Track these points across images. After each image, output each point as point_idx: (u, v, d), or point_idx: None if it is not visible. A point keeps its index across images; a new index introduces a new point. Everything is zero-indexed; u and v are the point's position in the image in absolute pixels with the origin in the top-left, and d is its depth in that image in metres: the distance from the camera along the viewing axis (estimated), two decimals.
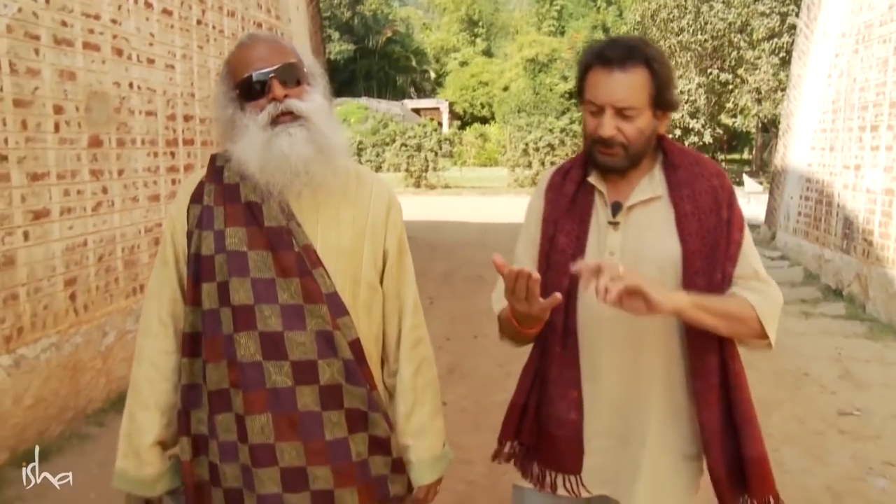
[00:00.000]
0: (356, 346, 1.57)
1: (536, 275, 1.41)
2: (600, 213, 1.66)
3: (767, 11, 20.73)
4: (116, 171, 4.68)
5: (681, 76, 24.05)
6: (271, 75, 1.52)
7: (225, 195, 1.59)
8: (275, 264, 1.54)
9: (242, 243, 1.55)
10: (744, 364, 1.64)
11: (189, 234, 1.60)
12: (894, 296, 6.56)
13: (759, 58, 21.20)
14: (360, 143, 28.08)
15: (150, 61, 5.08)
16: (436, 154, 25.27)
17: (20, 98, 3.80)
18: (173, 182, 5.42)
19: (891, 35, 7.00)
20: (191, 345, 1.59)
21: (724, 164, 29.48)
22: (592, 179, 1.66)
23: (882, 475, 3.67)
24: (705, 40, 21.86)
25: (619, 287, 1.39)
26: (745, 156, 33.37)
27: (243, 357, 1.53)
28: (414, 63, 46.99)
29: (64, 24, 4.14)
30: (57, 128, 4.10)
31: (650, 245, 1.60)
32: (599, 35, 30.15)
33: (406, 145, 25.15)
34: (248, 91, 1.53)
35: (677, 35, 22.13)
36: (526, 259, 1.73)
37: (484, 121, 39.08)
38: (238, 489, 1.57)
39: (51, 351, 4.05)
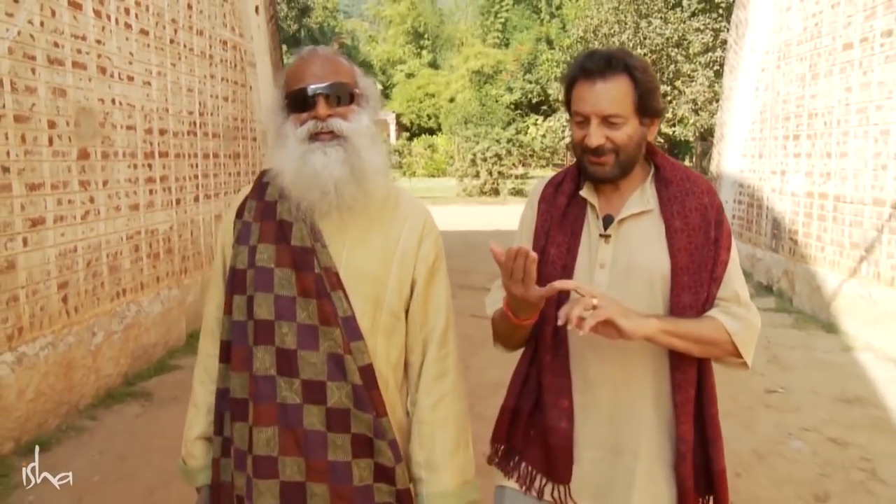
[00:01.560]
0: (367, 371, 1.56)
1: (534, 254, 1.44)
2: (591, 226, 1.66)
3: (702, 27, 21.69)
4: (101, 182, 4.98)
5: None
6: (319, 92, 1.54)
7: (263, 212, 1.63)
8: (297, 283, 1.56)
9: (271, 260, 1.58)
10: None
11: (233, 248, 1.66)
12: (816, 289, 7.21)
13: (695, 71, 22.12)
14: None
15: (130, 78, 5.38)
16: None
17: (20, 114, 4.10)
18: (150, 192, 5.72)
19: (806, 53, 7.69)
20: (226, 352, 1.65)
21: None
22: (584, 193, 1.67)
23: (798, 439, 4.24)
24: (644, 54, 22.64)
25: (591, 323, 1.43)
26: (686, 163, 34.56)
27: (258, 370, 1.56)
28: None
29: (56, 44, 4.45)
30: (51, 141, 4.40)
31: (640, 258, 1.61)
32: (543, 47, 30.79)
33: None
34: (294, 103, 1.57)
35: None
36: None
37: (431, 132, 39.46)
38: (242, 497, 1.61)
39: (48, 349, 4.32)
